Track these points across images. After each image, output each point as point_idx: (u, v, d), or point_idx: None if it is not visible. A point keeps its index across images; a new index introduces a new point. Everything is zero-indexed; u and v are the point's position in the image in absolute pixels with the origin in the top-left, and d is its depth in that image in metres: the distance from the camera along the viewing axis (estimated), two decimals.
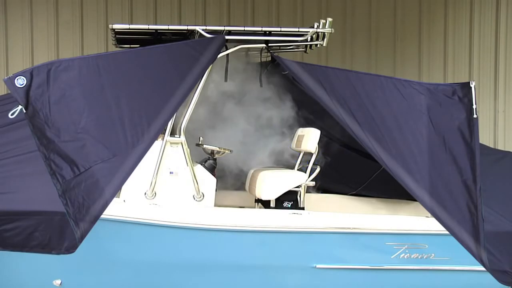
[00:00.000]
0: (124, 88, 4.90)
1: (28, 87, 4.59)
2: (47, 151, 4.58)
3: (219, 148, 5.86)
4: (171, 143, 5.31)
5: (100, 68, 4.85)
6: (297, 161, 6.27)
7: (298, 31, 5.63)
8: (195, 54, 5.15)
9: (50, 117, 4.63)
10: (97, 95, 4.81)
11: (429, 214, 5.15)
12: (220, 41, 5.31)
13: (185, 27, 5.60)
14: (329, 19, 5.55)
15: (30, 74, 4.61)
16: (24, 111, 4.56)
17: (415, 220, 5.45)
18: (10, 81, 4.54)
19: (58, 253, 4.73)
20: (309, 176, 5.82)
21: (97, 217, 4.60)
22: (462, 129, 5.11)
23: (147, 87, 4.98)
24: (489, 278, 5.03)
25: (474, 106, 5.10)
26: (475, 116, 5.07)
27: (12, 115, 4.61)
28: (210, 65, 5.22)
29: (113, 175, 4.67)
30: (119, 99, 4.84)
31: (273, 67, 6.60)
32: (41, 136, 4.59)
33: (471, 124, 5.09)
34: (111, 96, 4.83)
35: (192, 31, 5.59)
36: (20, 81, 4.56)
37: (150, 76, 5.01)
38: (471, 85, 5.12)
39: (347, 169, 6.81)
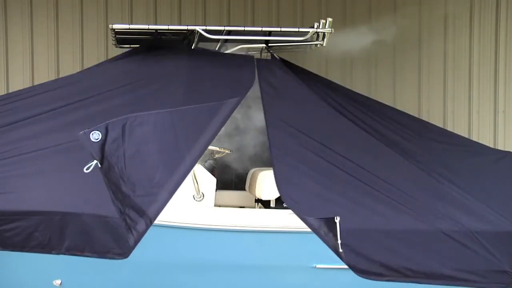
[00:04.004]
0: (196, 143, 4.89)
1: (103, 142, 4.52)
2: (123, 206, 4.56)
3: (219, 148, 5.86)
4: None
5: (175, 122, 4.82)
6: None
7: (298, 31, 5.64)
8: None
9: (125, 171, 4.59)
10: (172, 150, 4.78)
11: None
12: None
13: (185, 27, 5.61)
14: (329, 19, 5.56)
15: (105, 129, 4.54)
16: (99, 165, 4.50)
17: None
18: (85, 136, 4.48)
19: (58, 253, 4.73)
20: None
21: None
22: None
23: None
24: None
25: None
26: None
27: (87, 169, 4.48)
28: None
29: None
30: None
31: None
32: (116, 190, 4.55)
33: None
34: (186, 150, 4.83)
35: (192, 31, 5.59)
36: (95, 136, 4.50)
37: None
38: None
39: None
